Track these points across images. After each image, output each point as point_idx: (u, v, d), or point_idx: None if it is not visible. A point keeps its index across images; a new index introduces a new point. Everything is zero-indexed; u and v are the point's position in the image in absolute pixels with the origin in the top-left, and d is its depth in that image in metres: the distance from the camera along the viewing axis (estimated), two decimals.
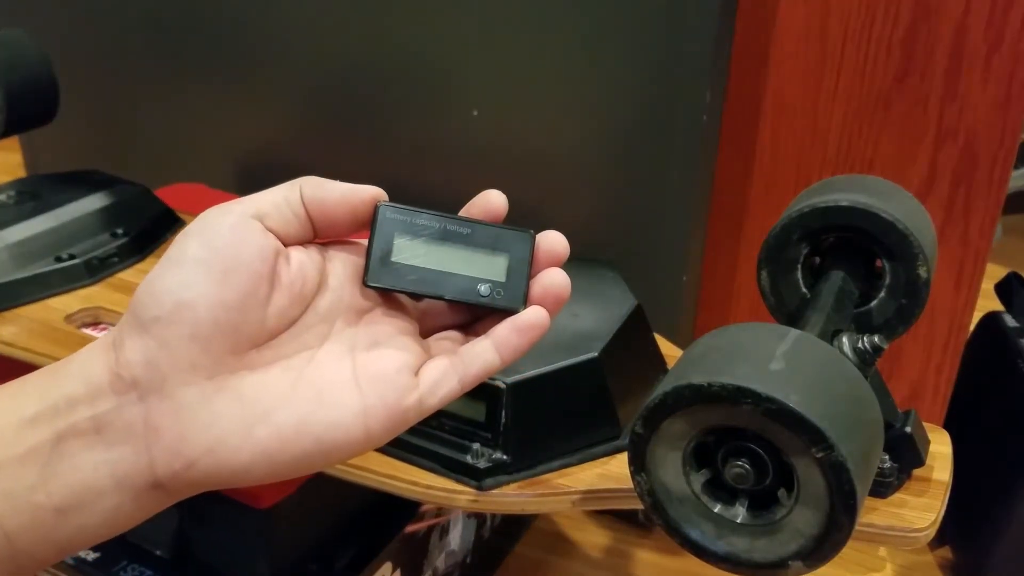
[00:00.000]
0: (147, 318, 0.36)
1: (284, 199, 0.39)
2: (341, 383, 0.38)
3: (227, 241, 0.37)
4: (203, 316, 0.36)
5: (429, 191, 0.96)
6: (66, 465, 0.35)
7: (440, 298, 0.41)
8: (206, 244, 0.37)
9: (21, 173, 1.27)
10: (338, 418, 0.37)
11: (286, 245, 0.39)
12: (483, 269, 0.41)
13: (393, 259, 0.41)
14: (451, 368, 0.40)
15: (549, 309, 0.40)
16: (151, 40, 1.08)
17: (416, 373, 0.40)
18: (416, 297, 0.42)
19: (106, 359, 0.36)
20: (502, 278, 0.41)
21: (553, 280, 0.41)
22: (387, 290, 0.41)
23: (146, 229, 0.88)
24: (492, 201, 0.42)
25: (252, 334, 0.37)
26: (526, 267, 0.41)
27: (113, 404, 0.36)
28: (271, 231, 0.39)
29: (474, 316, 0.43)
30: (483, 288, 0.41)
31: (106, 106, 1.17)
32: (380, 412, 0.38)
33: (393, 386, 0.39)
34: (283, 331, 0.39)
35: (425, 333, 0.42)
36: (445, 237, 0.42)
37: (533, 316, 0.40)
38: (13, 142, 1.13)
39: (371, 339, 0.40)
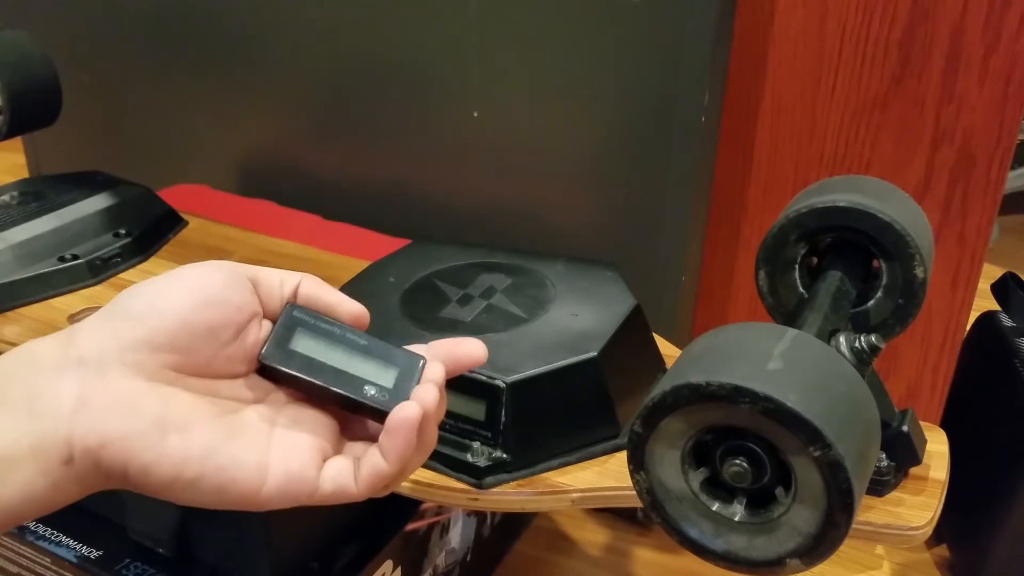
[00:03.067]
0: (117, 314, 0.40)
1: (280, 282, 0.44)
2: (255, 435, 0.41)
3: (220, 283, 0.42)
4: (166, 327, 0.40)
5: (429, 191, 0.97)
6: None
7: (326, 388, 0.43)
8: (201, 277, 0.41)
9: (24, 174, 1.27)
10: (242, 460, 0.40)
11: (265, 317, 0.44)
12: (373, 374, 0.44)
13: (291, 347, 0.44)
14: (348, 466, 0.42)
15: (427, 402, 0.42)
16: (154, 42, 1.08)
17: (323, 460, 0.42)
18: (305, 386, 0.44)
19: (59, 340, 0.39)
20: (390, 385, 0.44)
21: (435, 374, 0.44)
22: (278, 370, 0.43)
23: (149, 230, 0.88)
24: (471, 352, 0.46)
25: (200, 364, 0.41)
26: (413, 384, 0.44)
27: (52, 377, 0.38)
28: (259, 298, 0.43)
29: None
30: (369, 390, 0.44)
31: (109, 107, 1.17)
32: (279, 475, 0.40)
33: (298, 459, 0.41)
34: (224, 379, 0.42)
35: (348, 438, 0.45)
36: (343, 343, 0.44)
37: (398, 414, 0.41)
38: (16, 143, 1.13)
39: (296, 418, 0.43)
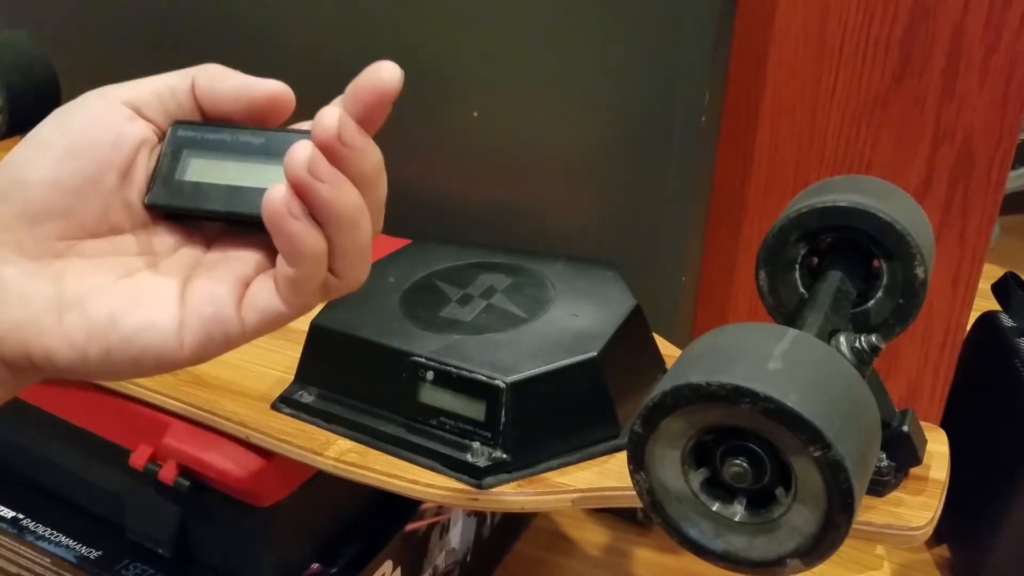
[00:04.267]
0: None
1: (169, 88, 0.37)
2: (162, 290, 0.36)
3: (82, 123, 0.36)
4: (35, 195, 0.35)
5: (429, 191, 0.97)
6: None
7: (220, 213, 0.37)
8: (61, 124, 0.36)
9: None
10: (151, 322, 0.35)
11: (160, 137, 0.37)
12: (272, 179, 0.35)
13: (178, 177, 0.37)
14: (267, 285, 0.36)
15: (293, 169, 0.33)
16: (153, 41, 1.08)
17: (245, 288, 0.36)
18: (200, 216, 0.38)
19: None
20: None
21: (317, 120, 0.34)
22: (167, 208, 0.37)
23: None
24: (382, 75, 0.35)
25: (89, 223, 0.36)
26: None
27: None
28: (148, 120, 0.37)
29: None
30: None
31: None
32: (195, 326, 0.35)
33: (210, 300, 0.36)
34: (128, 230, 0.37)
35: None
36: (237, 151, 0.37)
37: (265, 201, 0.34)
38: (16, 143, 1.13)
39: (218, 258, 0.37)
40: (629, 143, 0.86)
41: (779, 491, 0.45)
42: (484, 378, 0.59)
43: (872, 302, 0.59)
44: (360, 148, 0.35)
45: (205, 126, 0.38)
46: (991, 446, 0.89)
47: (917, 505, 0.57)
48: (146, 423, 0.69)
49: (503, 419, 0.59)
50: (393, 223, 0.94)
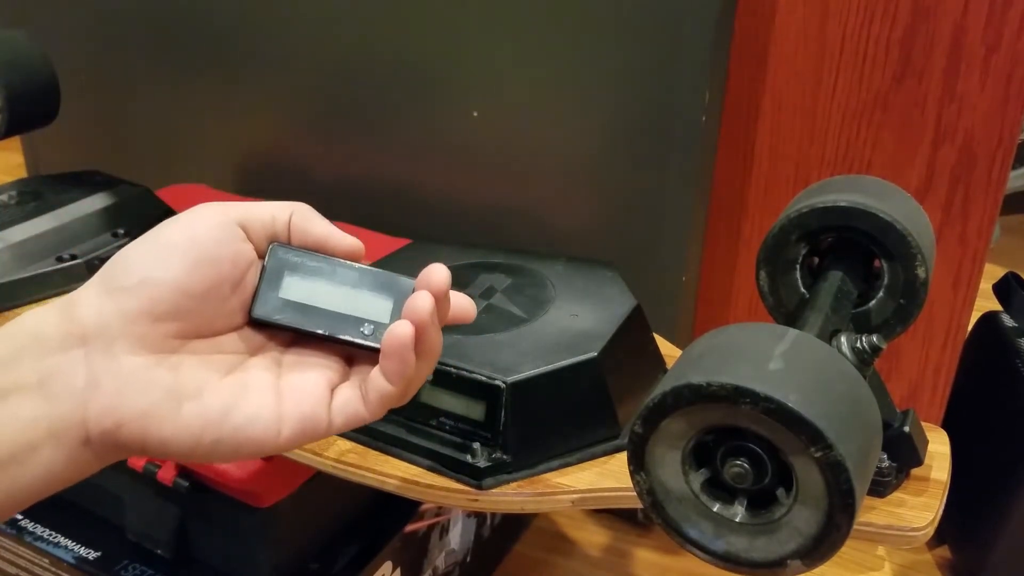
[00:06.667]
0: (113, 286, 0.39)
1: (272, 217, 0.42)
2: (264, 387, 0.41)
3: (209, 236, 0.40)
4: (165, 296, 0.39)
5: (429, 191, 0.97)
6: (6, 415, 0.36)
7: (322, 335, 0.42)
8: (188, 233, 0.40)
9: (22, 173, 1.27)
10: (257, 415, 0.40)
11: (260, 258, 0.42)
12: (368, 310, 0.43)
13: (281, 295, 0.42)
14: (355, 395, 0.42)
15: (420, 315, 0.40)
16: (152, 41, 1.08)
17: (332, 393, 0.42)
18: (300, 334, 0.43)
19: (59, 317, 0.39)
20: (386, 320, 0.43)
21: (430, 276, 0.41)
22: (270, 323, 0.42)
23: (147, 229, 0.87)
24: (434, 276, 0.42)
25: (201, 325, 0.40)
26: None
27: (59, 358, 0.38)
28: (251, 242, 0.42)
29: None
30: (366, 328, 0.42)
31: (107, 107, 1.17)
32: (294, 421, 0.40)
33: (308, 400, 0.41)
34: (227, 333, 0.42)
35: (355, 364, 0.44)
36: (334, 279, 0.43)
37: (391, 336, 0.40)
38: (14, 143, 1.13)
39: (299, 359, 0.43)
40: (629, 143, 0.86)
41: (780, 492, 0.45)
42: (484, 378, 0.59)
43: (873, 302, 0.59)
44: (448, 304, 0.43)
45: (303, 252, 0.43)
46: (992, 446, 0.89)
47: (918, 506, 0.57)
48: None
49: (503, 419, 0.59)
50: (393, 223, 0.94)
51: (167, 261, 0.39)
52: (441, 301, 0.41)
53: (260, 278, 0.42)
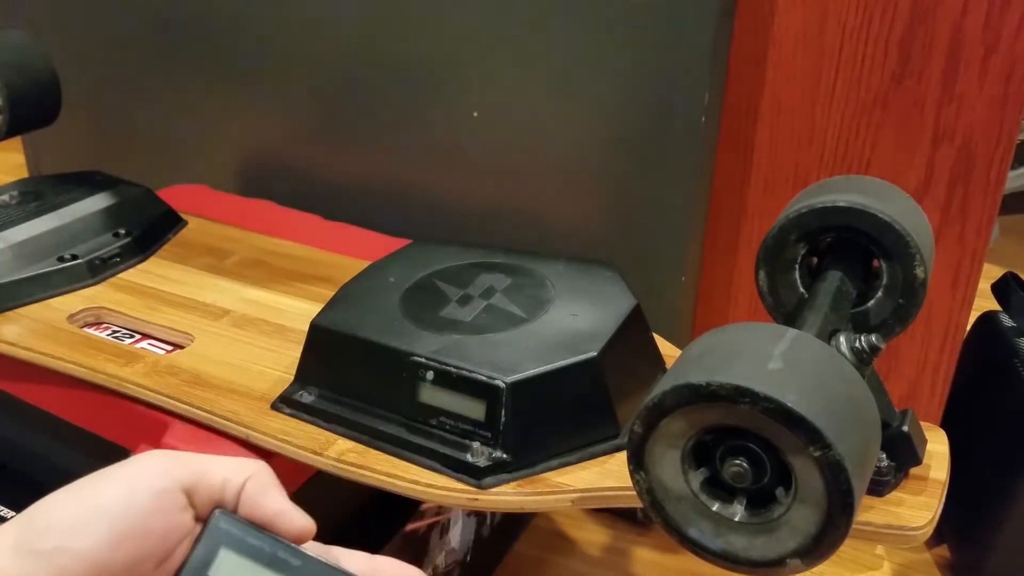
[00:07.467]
0: (27, 548, 0.36)
1: (223, 482, 0.39)
2: None
3: (145, 505, 0.37)
4: (78, 571, 0.35)
5: (429, 191, 0.97)
6: None
7: None
8: (123, 498, 0.37)
9: (24, 174, 1.27)
10: None
11: (198, 520, 0.39)
12: None
13: (210, 573, 0.38)
14: None
15: None
16: (153, 41, 1.08)
17: None
18: None
19: None
20: None
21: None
22: None
23: (148, 230, 0.88)
24: None
25: None
26: None
27: None
28: (193, 507, 0.39)
29: None
30: None
31: (108, 107, 1.17)
32: None
33: None
34: None
35: None
36: (272, 565, 0.39)
37: None
38: (16, 143, 1.13)
39: None
40: (629, 143, 0.86)
41: (779, 491, 0.45)
42: (484, 378, 0.59)
43: (872, 302, 0.59)
44: None
45: (246, 526, 0.39)
46: (991, 446, 0.89)
47: (917, 505, 0.57)
48: (146, 423, 0.69)
49: (503, 419, 0.59)
50: (393, 223, 0.94)
51: (91, 528, 0.36)
52: None
53: (192, 549, 0.38)
